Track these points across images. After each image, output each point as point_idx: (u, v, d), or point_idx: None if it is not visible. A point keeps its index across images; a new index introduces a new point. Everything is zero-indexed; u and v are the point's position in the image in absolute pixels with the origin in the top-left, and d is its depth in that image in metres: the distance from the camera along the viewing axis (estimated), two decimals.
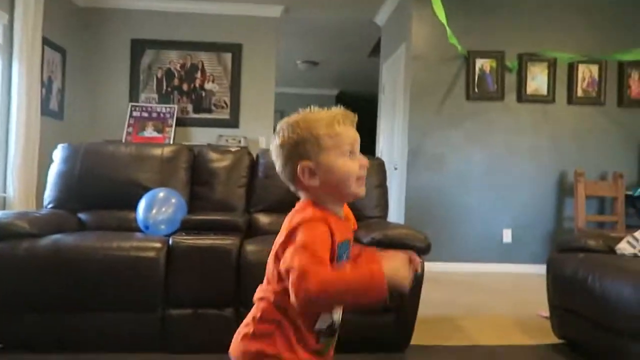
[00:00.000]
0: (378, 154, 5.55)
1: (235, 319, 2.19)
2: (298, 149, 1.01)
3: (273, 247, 1.01)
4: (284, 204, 2.85)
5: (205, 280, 2.19)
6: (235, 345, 1.02)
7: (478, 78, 4.32)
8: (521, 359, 2.30)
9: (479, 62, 4.31)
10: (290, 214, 1.02)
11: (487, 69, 4.32)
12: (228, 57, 5.29)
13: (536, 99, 4.35)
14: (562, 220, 4.36)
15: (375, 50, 6.27)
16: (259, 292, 1.03)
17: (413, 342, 2.32)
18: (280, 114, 9.63)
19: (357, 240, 2.49)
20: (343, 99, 9.31)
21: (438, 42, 4.20)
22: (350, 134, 1.02)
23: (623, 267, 2.06)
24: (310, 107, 1.03)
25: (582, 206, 4.08)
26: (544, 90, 4.35)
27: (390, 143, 5.00)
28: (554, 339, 2.48)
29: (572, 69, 4.37)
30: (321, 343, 1.00)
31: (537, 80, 4.35)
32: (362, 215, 2.79)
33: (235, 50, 5.26)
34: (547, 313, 2.54)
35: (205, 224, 2.42)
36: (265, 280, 1.03)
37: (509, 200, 4.34)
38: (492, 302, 3.30)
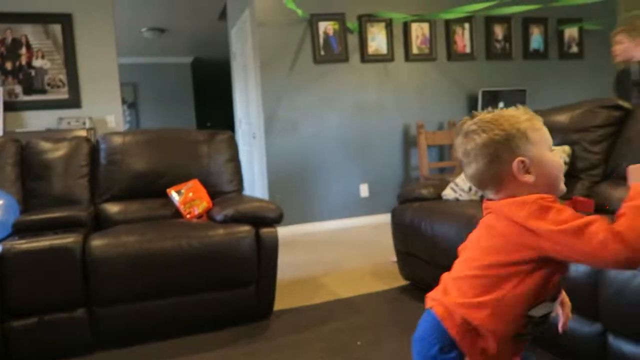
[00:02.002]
0: (237, 123, 5.51)
1: (88, 319, 2.09)
2: (509, 144, 0.98)
3: (474, 242, 1.03)
4: (133, 190, 2.75)
5: (48, 284, 2.03)
6: (449, 309, 0.98)
7: (323, 41, 4.44)
8: (374, 304, 2.53)
9: (322, 25, 4.42)
10: (498, 206, 0.99)
11: (331, 32, 4.46)
12: (57, 28, 4.74)
13: (377, 58, 4.61)
14: (410, 169, 4.78)
15: (224, 14, 6.08)
16: (467, 270, 1.01)
17: (277, 307, 2.43)
18: (133, 86, 8.91)
19: (211, 218, 2.49)
20: (198, 67, 8.96)
21: (281, 6, 4.20)
22: (547, 130, 1.02)
23: (446, 212, 2.35)
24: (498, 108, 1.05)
25: (424, 155, 4.50)
26: (383, 49, 4.63)
27: (247, 111, 4.98)
28: (402, 282, 2.77)
29: (406, 28, 4.69)
30: (527, 331, 0.98)
31: (377, 40, 4.60)
32: (217, 192, 2.79)
33: (65, 20, 4.73)
34: (395, 258, 2.82)
35: (41, 224, 2.22)
36: (467, 263, 1.02)
37: (363, 156, 4.62)
38: (352, 255, 3.55)
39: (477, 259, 1.00)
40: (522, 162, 0.98)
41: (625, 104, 2.42)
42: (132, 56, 7.85)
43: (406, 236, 2.59)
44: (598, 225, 0.86)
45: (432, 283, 2.45)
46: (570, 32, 5.35)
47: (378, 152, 4.67)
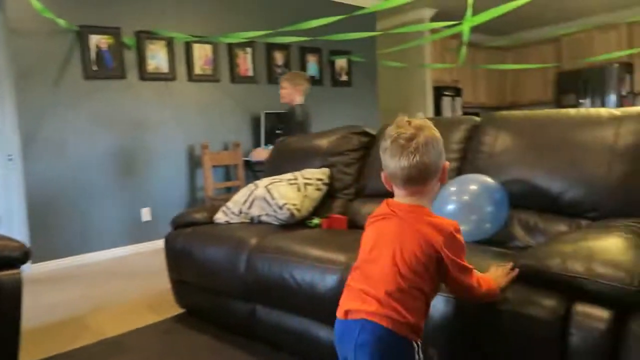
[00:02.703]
0: None
1: None
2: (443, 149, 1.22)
3: (405, 252, 1.15)
4: None
5: None
6: (393, 318, 1.12)
7: (96, 55, 4.09)
8: (146, 339, 2.37)
9: (94, 39, 4.07)
10: (419, 220, 1.18)
11: (105, 46, 4.13)
12: None
13: (158, 76, 4.44)
14: (196, 190, 4.71)
15: None
16: (399, 284, 1.13)
17: (26, 359, 2.09)
18: None
19: None
20: None
21: (40, 14, 3.73)
22: None
23: (217, 235, 2.35)
24: None
25: (209, 176, 4.48)
26: (164, 68, 4.48)
27: (1, 128, 4.27)
28: (178, 310, 2.67)
29: (189, 48, 4.64)
30: None
31: (157, 58, 4.44)
32: None
33: None
34: None
35: None
36: (404, 276, 1.14)
37: (145, 179, 4.38)
38: (128, 286, 3.29)
39: (404, 274, 1.14)
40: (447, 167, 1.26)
41: (372, 131, 2.78)
42: None
43: (179, 263, 2.51)
44: (474, 274, 1.23)
45: (206, 308, 2.45)
46: (341, 62, 5.99)
47: (160, 173, 4.47)
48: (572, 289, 1.21)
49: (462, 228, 1.77)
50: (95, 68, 4.10)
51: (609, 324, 1.14)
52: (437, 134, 1.21)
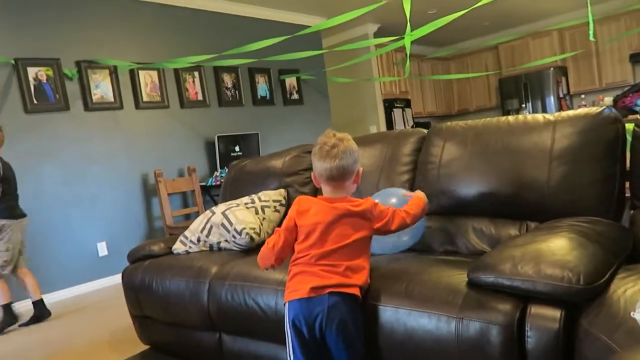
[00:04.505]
0: None
1: None
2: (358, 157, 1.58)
3: (351, 236, 1.50)
4: None
5: None
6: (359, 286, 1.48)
7: (35, 88, 3.95)
8: None
9: (32, 71, 3.94)
10: (352, 204, 1.53)
11: (44, 78, 4.01)
12: None
13: (104, 106, 4.34)
14: (153, 220, 4.59)
15: None
16: (354, 264, 1.49)
17: None
18: None
19: None
20: None
21: None
22: None
23: (176, 266, 2.30)
24: None
25: (166, 204, 4.39)
26: (110, 97, 4.38)
27: None
28: (142, 347, 2.58)
29: (134, 76, 4.56)
30: None
31: (101, 87, 4.33)
32: None
33: None
34: None
35: None
36: (355, 255, 1.50)
37: (98, 212, 4.23)
38: (88, 326, 3.16)
39: (355, 250, 1.50)
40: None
41: None
42: None
43: (139, 298, 2.43)
44: (397, 212, 1.59)
45: (171, 342, 2.38)
46: (291, 81, 6.04)
47: (114, 205, 4.34)
48: (525, 292, 1.26)
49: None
50: (35, 101, 3.95)
51: (561, 323, 1.19)
52: (354, 145, 1.55)
